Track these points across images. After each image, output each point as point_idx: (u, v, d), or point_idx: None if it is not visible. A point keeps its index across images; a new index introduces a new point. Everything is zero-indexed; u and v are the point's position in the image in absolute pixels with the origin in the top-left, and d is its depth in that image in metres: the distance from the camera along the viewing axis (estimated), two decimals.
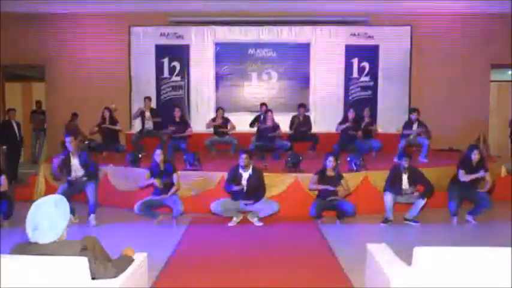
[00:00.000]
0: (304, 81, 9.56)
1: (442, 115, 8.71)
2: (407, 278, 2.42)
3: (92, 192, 5.63)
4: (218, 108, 8.46)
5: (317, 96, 9.52)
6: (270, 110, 7.94)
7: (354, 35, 9.51)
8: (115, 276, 2.33)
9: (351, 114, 7.84)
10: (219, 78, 9.58)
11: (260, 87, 9.59)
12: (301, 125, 8.16)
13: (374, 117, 8.76)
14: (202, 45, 9.56)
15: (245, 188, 5.57)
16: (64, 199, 2.33)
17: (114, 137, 7.85)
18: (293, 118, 8.24)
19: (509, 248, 2.32)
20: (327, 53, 9.52)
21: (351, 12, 9.38)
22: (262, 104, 8.59)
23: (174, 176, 5.65)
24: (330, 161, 5.64)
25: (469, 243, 3.01)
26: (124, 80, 9.43)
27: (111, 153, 7.94)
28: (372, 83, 9.54)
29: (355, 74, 9.56)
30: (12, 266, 2.14)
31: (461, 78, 9.49)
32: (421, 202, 5.60)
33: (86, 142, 7.82)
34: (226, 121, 8.25)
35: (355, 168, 6.36)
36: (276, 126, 7.78)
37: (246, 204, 5.65)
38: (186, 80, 9.57)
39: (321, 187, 5.65)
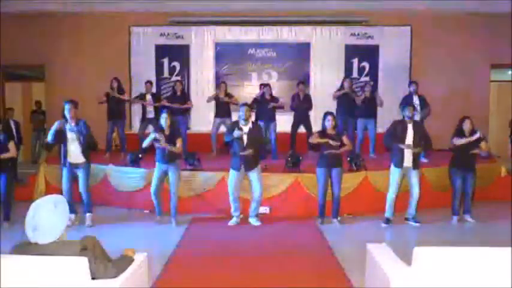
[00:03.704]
0: (304, 81, 9.54)
1: (441, 115, 8.70)
2: (407, 278, 2.42)
3: (84, 182, 5.48)
4: (221, 82, 8.21)
5: (317, 96, 9.49)
6: (267, 85, 7.84)
7: (354, 35, 9.51)
8: (115, 276, 2.33)
9: (347, 83, 7.72)
10: (219, 78, 9.56)
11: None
12: (301, 103, 7.84)
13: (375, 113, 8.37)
14: (202, 45, 9.55)
15: (245, 141, 5.44)
16: (64, 199, 2.34)
17: (119, 109, 7.93)
18: (293, 96, 7.99)
19: (509, 248, 2.32)
20: (327, 52, 9.51)
21: (351, 12, 9.37)
22: (262, 85, 8.29)
23: (178, 141, 5.57)
24: (329, 120, 5.61)
25: (469, 243, 3.02)
26: (124, 80, 9.40)
27: (113, 153, 7.95)
28: (372, 83, 9.52)
29: (355, 74, 9.54)
30: (12, 266, 2.14)
31: (461, 78, 9.47)
32: (415, 198, 5.58)
33: None
34: (229, 96, 7.96)
35: (355, 168, 6.36)
36: (275, 99, 7.70)
37: (246, 168, 5.49)
38: (186, 80, 9.56)
39: (322, 140, 5.54)
